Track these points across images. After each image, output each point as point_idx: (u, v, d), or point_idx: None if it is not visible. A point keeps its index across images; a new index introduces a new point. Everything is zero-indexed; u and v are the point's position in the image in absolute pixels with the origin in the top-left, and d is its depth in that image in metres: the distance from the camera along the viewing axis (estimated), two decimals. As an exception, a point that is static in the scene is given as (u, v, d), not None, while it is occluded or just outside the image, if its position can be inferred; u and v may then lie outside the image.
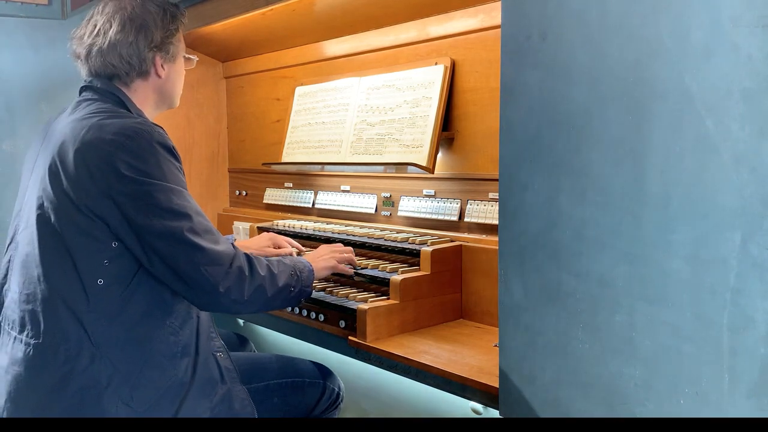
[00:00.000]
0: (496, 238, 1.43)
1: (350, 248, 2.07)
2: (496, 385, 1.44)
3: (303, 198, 2.73)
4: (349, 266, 2.03)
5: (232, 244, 1.64)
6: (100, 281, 1.50)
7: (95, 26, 1.69)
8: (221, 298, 1.54)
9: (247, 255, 1.62)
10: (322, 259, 1.94)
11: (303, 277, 1.75)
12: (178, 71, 1.81)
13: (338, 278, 2.15)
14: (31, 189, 1.61)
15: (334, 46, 2.61)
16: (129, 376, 1.50)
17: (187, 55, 1.85)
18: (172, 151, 1.56)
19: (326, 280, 2.17)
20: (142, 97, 1.73)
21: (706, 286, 1.07)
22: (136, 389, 1.51)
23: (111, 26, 1.67)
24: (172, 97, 1.82)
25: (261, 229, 2.61)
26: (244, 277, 1.57)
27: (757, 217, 1.01)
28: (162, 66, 1.73)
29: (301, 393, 1.91)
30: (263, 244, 2.24)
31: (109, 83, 1.69)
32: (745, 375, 1.03)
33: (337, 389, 1.99)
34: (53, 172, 1.53)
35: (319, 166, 2.54)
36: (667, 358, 1.12)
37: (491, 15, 1.99)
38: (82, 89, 1.71)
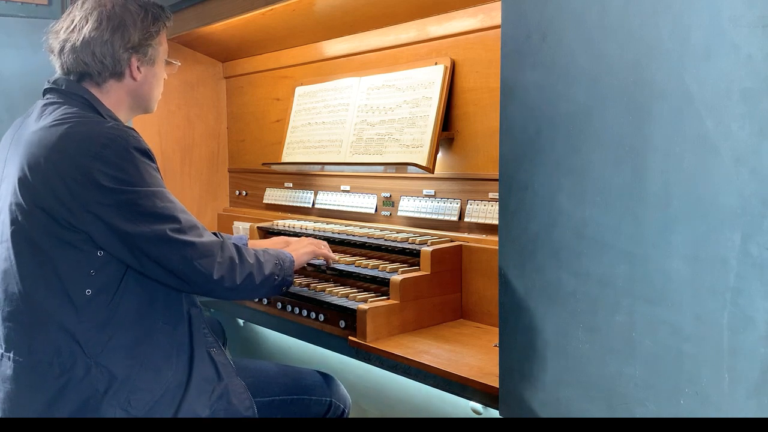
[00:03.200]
0: (496, 238, 1.43)
1: (326, 244, 2.12)
2: (496, 385, 1.44)
3: (303, 198, 2.73)
4: (324, 262, 2.09)
5: (220, 233, 1.66)
6: (88, 291, 1.48)
7: (72, 21, 1.63)
8: (216, 287, 1.56)
9: (235, 244, 1.64)
10: (301, 247, 1.99)
11: (285, 266, 1.78)
12: (157, 75, 1.73)
13: (338, 278, 2.15)
14: (2, 201, 1.56)
15: (334, 46, 2.61)
16: (126, 381, 1.50)
17: (169, 60, 1.78)
18: (147, 154, 1.53)
19: (326, 280, 2.17)
20: (115, 99, 1.66)
21: (706, 286, 1.07)
22: (134, 393, 1.50)
23: (87, 22, 1.61)
24: (148, 101, 1.74)
25: (261, 229, 2.61)
26: (235, 265, 1.59)
27: (757, 217, 1.01)
28: (138, 68, 1.67)
29: (306, 410, 1.89)
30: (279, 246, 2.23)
31: (75, 84, 1.62)
32: (745, 375, 1.03)
33: (342, 407, 1.96)
34: (25, 185, 1.48)
35: (319, 166, 2.54)
36: (667, 358, 1.12)
37: (491, 15, 1.99)
38: (46, 91, 1.64)
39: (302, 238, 2.11)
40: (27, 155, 1.50)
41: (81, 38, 1.60)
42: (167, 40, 1.79)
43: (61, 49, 1.62)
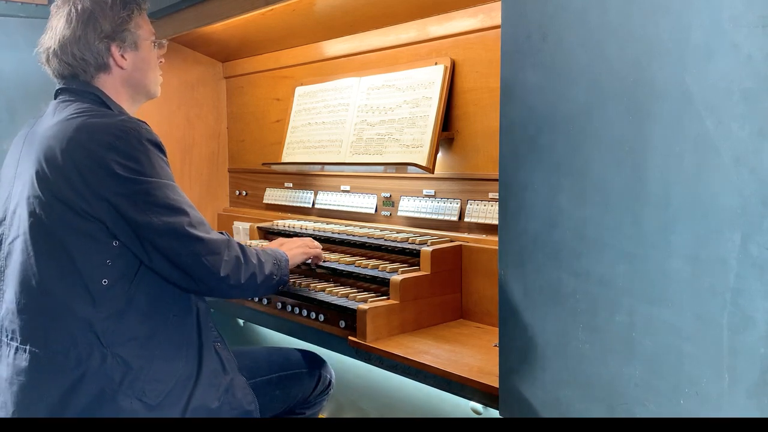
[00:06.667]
0: (496, 238, 1.43)
1: (318, 244, 2.13)
2: (496, 385, 1.44)
3: (303, 198, 2.73)
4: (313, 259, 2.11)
5: (225, 233, 1.69)
6: (104, 281, 1.50)
7: (51, 28, 1.66)
8: (221, 284, 1.58)
9: (238, 243, 1.66)
10: (294, 246, 2.01)
11: (282, 265, 1.82)
12: (146, 58, 1.73)
13: (338, 278, 2.15)
14: (17, 196, 1.58)
15: (334, 46, 2.61)
16: (140, 371, 1.52)
17: (155, 40, 1.76)
18: (159, 146, 1.57)
19: (326, 280, 2.17)
20: (113, 92, 1.68)
21: (706, 286, 1.07)
22: (149, 383, 1.53)
23: (60, 24, 1.64)
24: (146, 86, 1.75)
25: (261, 229, 2.62)
26: (240, 263, 1.62)
27: (757, 217, 1.01)
28: (122, 56, 1.67)
29: (300, 382, 1.96)
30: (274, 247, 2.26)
31: (85, 83, 1.65)
32: (745, 375, 1.03)
33: (329, 377, 2.06)
34: (42, 178, 1.51)
35: (319, 166, 2.54)
36: (667, 358, 1.12)
37: (491, 15, 1.99)
38: (58, 92, 1.68)
39: (294, 238, 2.12)
40: (43, 149, 1.53)
41: (58, 41, 1.63)
42: (170, 40, 1.80)
43: (47, 58, 1.67)
